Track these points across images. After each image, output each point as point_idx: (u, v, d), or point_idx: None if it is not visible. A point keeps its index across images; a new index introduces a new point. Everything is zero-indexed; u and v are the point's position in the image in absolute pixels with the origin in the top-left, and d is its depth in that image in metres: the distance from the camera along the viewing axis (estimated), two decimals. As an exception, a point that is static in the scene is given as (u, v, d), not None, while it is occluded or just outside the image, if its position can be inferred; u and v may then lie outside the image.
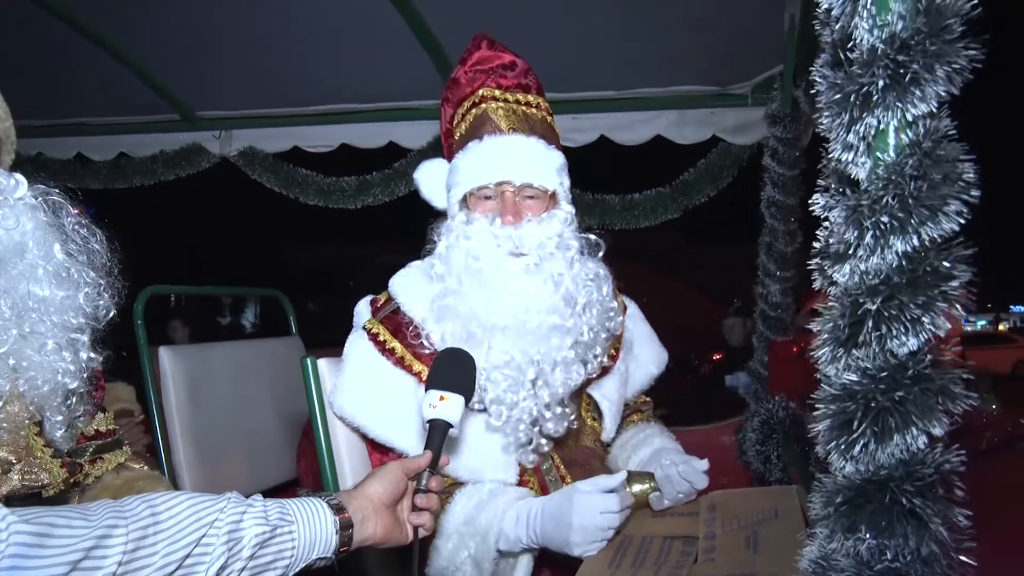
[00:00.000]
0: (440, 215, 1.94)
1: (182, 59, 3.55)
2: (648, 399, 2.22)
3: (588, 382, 1.92)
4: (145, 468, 1.72)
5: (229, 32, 3.30)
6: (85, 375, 1.48)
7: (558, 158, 1.83)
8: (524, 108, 1.84)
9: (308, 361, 1.89)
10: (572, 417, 1.77)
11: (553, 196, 1.80)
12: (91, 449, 1.60)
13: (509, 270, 1.72)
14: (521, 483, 1.78)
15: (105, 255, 1.51)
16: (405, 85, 3.71)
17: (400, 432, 1.75)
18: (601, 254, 1.88)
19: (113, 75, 3.59)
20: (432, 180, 1.94)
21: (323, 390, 1.88)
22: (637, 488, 1.79)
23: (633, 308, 2.14)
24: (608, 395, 1.95)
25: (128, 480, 1.63)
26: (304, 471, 2.93)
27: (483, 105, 1.84)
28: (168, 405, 2.57)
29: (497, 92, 1.84)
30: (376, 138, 4.06)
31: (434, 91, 3.73)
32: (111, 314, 1.51)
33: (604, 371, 1.95)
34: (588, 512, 1.53)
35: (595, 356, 1.80)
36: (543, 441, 1.76)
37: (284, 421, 3.04)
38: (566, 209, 1.81)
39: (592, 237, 1.87)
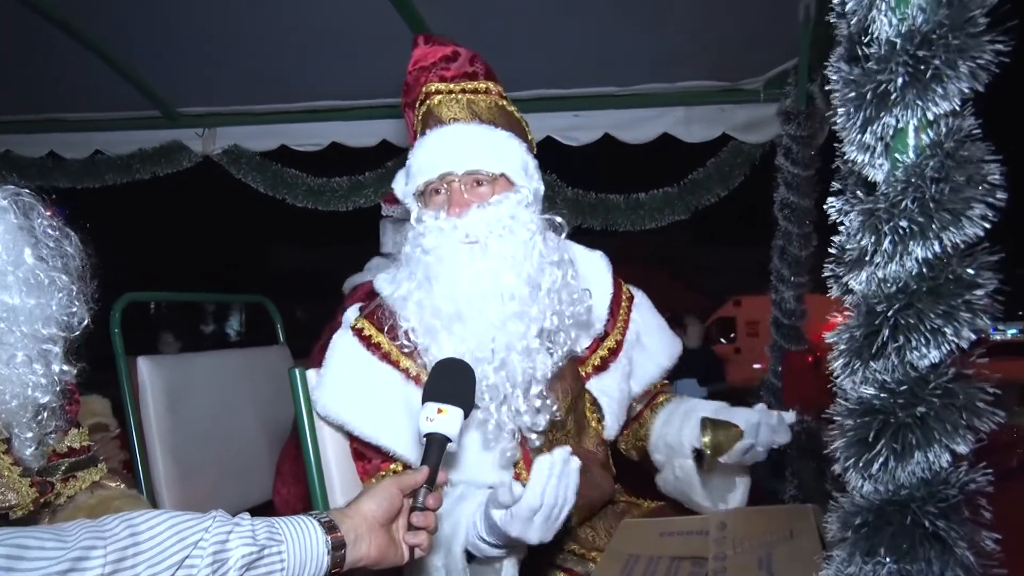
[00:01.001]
0: None
1: (163, 53, 3.54)
2: (668, 382, 2.22)
3: (587, 376, 1.92)
4: (122, 486, 1.71)
5: (213, 24, 3.30)
6: (57, 388, 1.46)
7: (507, 139, 1.84)
8: (469, 96, 1.87)
9: (296, 372, 1.88)
10: (554, 409, 1.76)
11: (507, 179, 1.82)
12: (63, 467, 1.59)
13: (462, 259, 1.74)
14: None
15: (79, 260, 1.50)
16: (400, 81, 3.70)
17: (387, 430, 1.76)
18: (564, 235, 1.89)
19: (89, 69, 3.58)
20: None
21: (312, 402, 1.88)
22: (723, 435, 1.83)
23: (640, 297, 2.14)
24: (608, 391, 1.95)
25: (104, 499, 1.62)
26: (280, 504, 2.89)
27: (427, 102, 1.88)
28: (147, 419, 2.56)
29: (441, 85, 1.88)
30: (368, 136, 4.06)
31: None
32: (86, 323, 1.50)
33: (603, 365, 1.95)
34: (521, 527, 1.48)
35: (560, 343, 1.80)
36: (533, 436, 1.76)
37: (271, 435, 3.02)
38: (523, 192, 1.81)
39: (557, 219, 1.89)
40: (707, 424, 1.85)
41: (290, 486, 2.85)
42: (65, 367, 1.48)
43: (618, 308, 2.03)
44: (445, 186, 1.80)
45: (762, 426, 1.82)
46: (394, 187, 2.00)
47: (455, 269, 1.74)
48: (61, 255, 1.47)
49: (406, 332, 1.79)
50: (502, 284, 1.73)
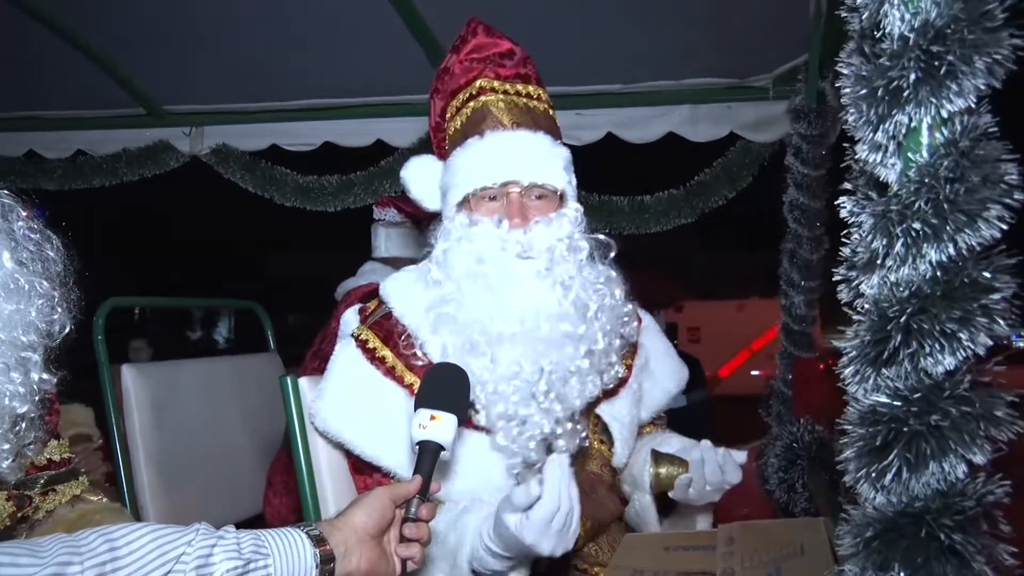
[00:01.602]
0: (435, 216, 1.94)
1: (149, 48, 3.54)
2: (662, 414, 2.22)
3: (597, 401, 1.91)
4: (104, 500, 1.71)
5: (202, 19, 3.30)
6: (36, 398, 1.46)
7: (564, 154, 1.84)
8: (526, 100, 1.85)
9: (288, 380, 1.88)
10: (584, 434, 1.78)
11: (561, 195, 1.81)
12: (42, 480, 1.59)
13: (517, 273, 1.72)
14: None
15: (61, 264, 1.49)
16: (394, 78, 3.71)
17: (389, 449, 1.75)
18: (613, 254, 1.89)
19: (71, 65, 3.58)
20: (422, 178, 1.94)
21: (304, 411, 1.87)
22: (664, 470, 1.84)
23: (648, 320, 2.14)
24: (619, 416, 1.94)
25: (84, 514, 1.62)
26: (272, 516, 2.89)
27: (482, 98, 1.84)
28: (131, 429, 2.56)
29: (496, 83, 1.85)
30: (362, 135, 4.06)
31: (426, 85, 3.71)
32: (67, 329, 1.50)
33: (615, 389, 1.95)
34: (537, 533, 1.47)
35: (611, 365, 1.80)
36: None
37: (260, 446, 3.02)
38: (575, 208, 1.82)
39: (602, 238, 1.88)
40: (654, 457, 1.86)
41: (282, 496, 2.86)
42: (45, 376, 1.47)
43: None
44: (503, 194, 1.78)
45: (707, 463, 1.80)
46: (404, 176, 1.95)
47: (511, 284, 1.73)
48: (42, 259, 1.46)
49: (423, 345, 1.77)
50: (554, 305, 1.72)
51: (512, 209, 1.75)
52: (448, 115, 1.91)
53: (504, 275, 1.73)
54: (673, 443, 1.98)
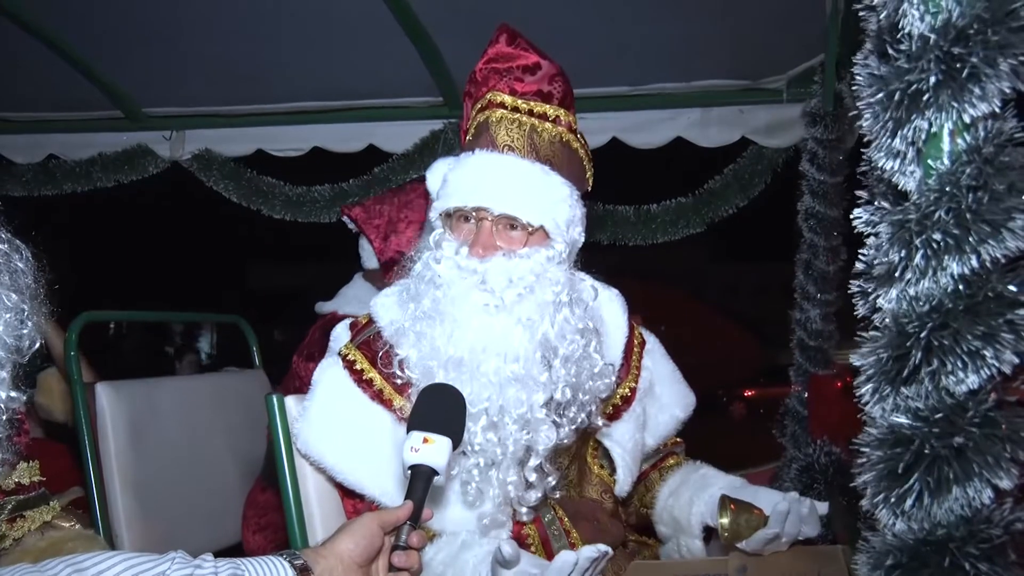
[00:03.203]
0: None
1: (127, 47, 3.55)
2: (679, 440, 2.21)
3: (596, 429, 1.91)
4: (77, 526, 1.70)
5: (184, 17, 3.31)
6: (4, 418, 1.45)
7: (559, 188, 1.80)
8: (535, 121, 1.81)
9: (274, 399, 1.87)
10: (551, 484, 1.75)
11: (544, 231, 1.78)
12: (10, 506, 1.58)
13: (471, 303, 1.72)
14: (519, 536, 1.77)
15: (31, 275, 1.49)
16: (388, 80, 3.72)
17: (373, 476, 1.75)
18: (594, 301, 1.88)
19: (43, 64, 3.58)
20: (437, 182, 1.93)
21: (291, 432, 1.87)
22: (744, 520, 1.78)
23: (652, 343, 2.12)
24: (621, 441, 1.93)
25: (55, 542, 1.61)
26: (253, 550, 2.84)
27: (487, 112, 1.83)
28: (106, 451, 2.54)
29: (508, 98, 1.82)
30: (354, 140, 4.06)
31: (421, 87, 3.74)
32: (37, 345, 1.49)
33: (616, 414, 1.94)
34: None
35: (570, 419, 1.76)
36: (523, 510, 1.75)
37: (244, 470, 3.01)
38: (557, 248, 1.78)
39: (588, 280, 1.88)
40: (727, 504, 1.80)
41: (255, 534, 2.81)
42: (13, 394, 1.45)
43: (631, 354, 2.01)
44: (476, 219, 1.77)
45: (791, 515, 1.74)
46: (428, 176, 1.97)
47: (464, 313, 1.72)
48: (9, 270, 1.46)
49: (400, 362, 1.77)
50: (508, 343, 1.71)
51: (477, 237, 1.75)
52: (468, 123, 1.91)
53: (461, 304, 1.73)
54: (720, 480, 1.95)
